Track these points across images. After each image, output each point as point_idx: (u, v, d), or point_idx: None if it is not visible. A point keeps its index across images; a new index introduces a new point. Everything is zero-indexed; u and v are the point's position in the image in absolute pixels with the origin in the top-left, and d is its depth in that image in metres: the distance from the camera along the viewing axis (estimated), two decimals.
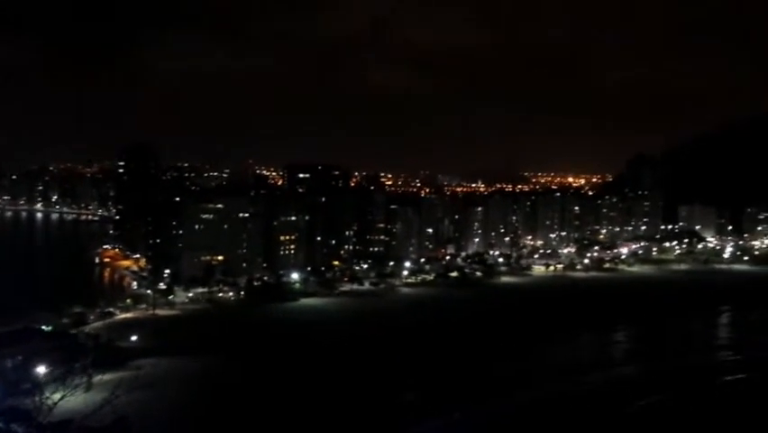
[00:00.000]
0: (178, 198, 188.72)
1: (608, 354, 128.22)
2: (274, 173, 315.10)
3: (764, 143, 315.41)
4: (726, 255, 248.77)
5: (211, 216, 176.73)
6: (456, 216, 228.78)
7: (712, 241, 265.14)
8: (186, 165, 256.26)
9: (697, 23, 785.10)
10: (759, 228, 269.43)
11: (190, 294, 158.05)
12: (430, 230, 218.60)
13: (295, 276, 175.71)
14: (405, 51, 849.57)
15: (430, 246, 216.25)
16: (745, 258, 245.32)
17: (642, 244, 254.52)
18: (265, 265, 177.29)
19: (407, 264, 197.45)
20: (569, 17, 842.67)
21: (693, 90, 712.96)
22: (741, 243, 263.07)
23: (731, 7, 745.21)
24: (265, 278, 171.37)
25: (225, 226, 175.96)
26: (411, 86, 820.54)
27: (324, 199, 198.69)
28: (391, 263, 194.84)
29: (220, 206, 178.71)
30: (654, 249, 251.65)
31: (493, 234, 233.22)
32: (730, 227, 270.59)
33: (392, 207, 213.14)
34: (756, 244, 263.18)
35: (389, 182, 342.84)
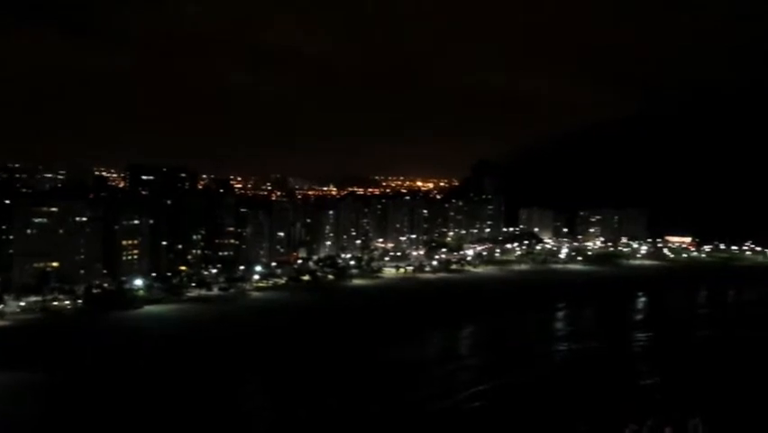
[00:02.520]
0: (7, 201, 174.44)
1: (452, 349, 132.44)
2: (115, 175, 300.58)
3: (596, 151, 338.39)
4: (562, 256, 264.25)
5: (45, 219, 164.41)
6: (308, 220, 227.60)
7: (549, 242, 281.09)
8: (17, 166, 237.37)
9: (543, 34, 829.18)
10: (591, 230, 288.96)
11: (22, 303, 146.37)
12: (281, 234, 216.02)
13: (138, 282, 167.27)
14: (257, 53, 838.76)
15: (281, 250, 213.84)
16: (579, 258, 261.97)
17: (486, 245, 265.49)
18: (105, 271, 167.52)
19: (258, 268, 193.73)
20: (420, 23, 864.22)
21: (536, 99, 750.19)
22: (575, 244, 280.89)
23: (577, 22, 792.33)
24: (105, 285, 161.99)
25: (61, 231, 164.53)
26: (262, 88, 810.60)
27: (169, 202, 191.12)
28: (241, 268, 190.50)
29: (55, 209, 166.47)
30: (497, 250, 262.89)
31: (345, 237, 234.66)
32: (566, 229, 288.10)
33: (242, 210, 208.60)
34: (589, 244, 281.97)
35: (239, 185, 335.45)
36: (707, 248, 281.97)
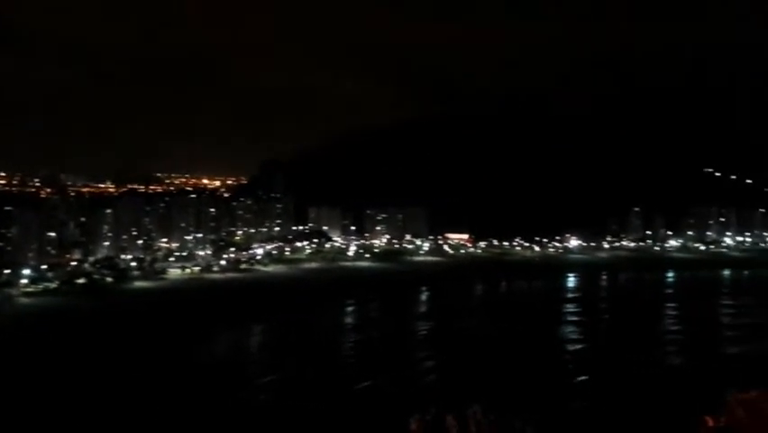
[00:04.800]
0: None
1: (241, 348, 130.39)
2: None
3: (382, 151, 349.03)
4: (350, 253, 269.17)
5: None
6: (83, 219, 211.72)
7: (338, 240, 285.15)
8: None
9: (339, 33, 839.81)
10: (378, 228, 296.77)
11: None
12: (52, 234, 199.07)
13: None
14: (32, 40, 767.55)
15: (53, 252, 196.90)
16: (367, 255, 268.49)
17: (276, 244, 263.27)
18: None
19: (27, 272, 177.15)
20: (208, 19, 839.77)
21: (327, 97, 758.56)
22: (363, 241, 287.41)
23: (375, 22, 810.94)
24: None
25: None
26: (31, 76, 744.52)
27: None
28: (7, 271, 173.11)
29: None
30: (287, 249, 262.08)
31: (125, 237, 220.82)
32: (354, 227, 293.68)
33: (6, 208, 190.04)
34: (376, 242, 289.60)
35: (3, 181, 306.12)
36: (482, 244, 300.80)
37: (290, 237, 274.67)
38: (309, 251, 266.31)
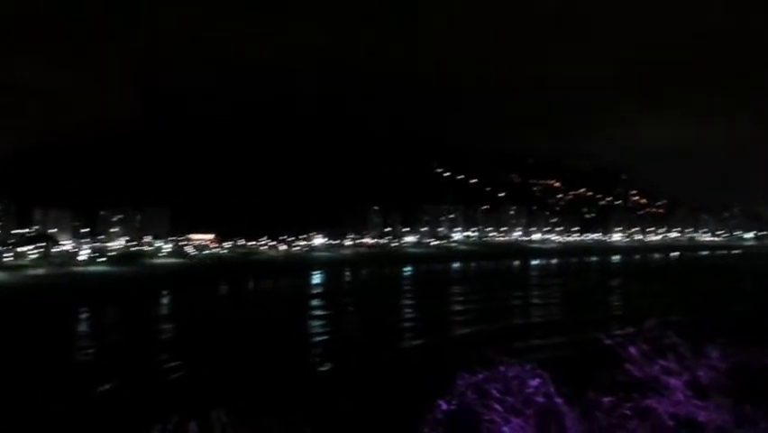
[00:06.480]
0: None
1: None
2: None
3: (114, 149, 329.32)
4: (82, 257, 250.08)
5: None
6: None
7: (68, 244, 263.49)
8: None
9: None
10: (113, 230, 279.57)
11: None
12: None
13: None
14: None
15: None
16: (102, 259, 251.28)
17: None
18: None
19: None
20: None
21: (51, 93, 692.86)
22: (97, 244, 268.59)
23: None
24: None
25: None
26: None
27: None
28: None
29: None
30: (7, 255, 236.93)
31: None
32: (86, 230, 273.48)
33: None
34: (112, 245, 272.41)
35: None
36: (227, 244, 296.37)
37: (11, 242, 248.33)
38: (34, 256, 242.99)
